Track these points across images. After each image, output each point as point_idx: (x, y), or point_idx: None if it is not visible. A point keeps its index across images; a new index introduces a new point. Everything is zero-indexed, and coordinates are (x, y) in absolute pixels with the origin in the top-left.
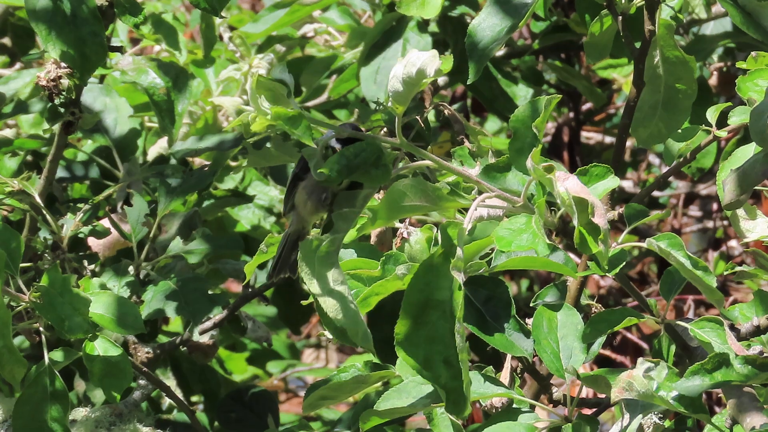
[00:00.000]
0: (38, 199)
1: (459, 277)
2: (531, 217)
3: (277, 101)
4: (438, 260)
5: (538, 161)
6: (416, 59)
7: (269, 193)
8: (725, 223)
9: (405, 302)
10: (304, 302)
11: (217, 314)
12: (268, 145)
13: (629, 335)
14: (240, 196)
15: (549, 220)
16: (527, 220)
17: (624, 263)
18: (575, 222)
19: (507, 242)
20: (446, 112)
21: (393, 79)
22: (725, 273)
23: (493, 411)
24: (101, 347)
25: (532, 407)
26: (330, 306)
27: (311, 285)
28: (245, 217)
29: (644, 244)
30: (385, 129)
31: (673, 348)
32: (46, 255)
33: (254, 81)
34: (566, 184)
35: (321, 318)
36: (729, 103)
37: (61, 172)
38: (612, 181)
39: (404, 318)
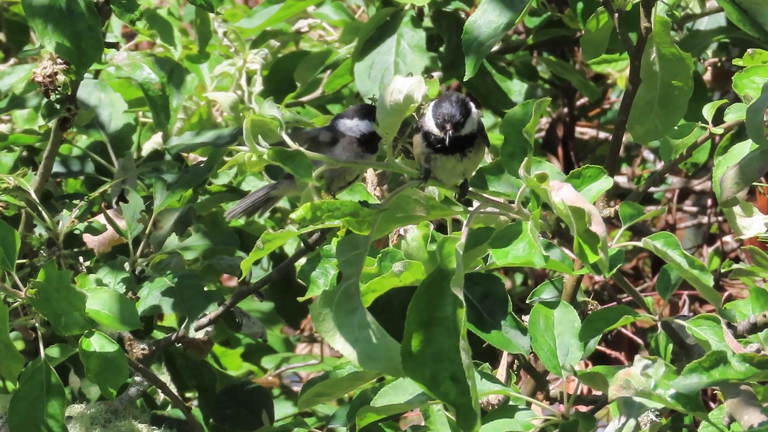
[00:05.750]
0: (34, 196)
1: (459, 294)
2: (527, 224)
3: (269, 137)
4: (437, 278)
5: (531, 170)
6: (402, 86)
7: None
8: (720, 218)
9: (408, 321)
10: (300, 299)
11: (213, 311)
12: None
13: (624, 330)
14: (235, 192)
15: (544, 225)
16: (523, 228)
17: (620, 264)
18: (573, 232)
19: (503, 253)
20: None
21: (380, 108)
22: (722, 270)
23: (490, 408)
24: (97, 343)
25: (529, 404)
26: (359, 356)
27: (334, 342)
28: None
29: (640, 244)
30: None
31: (670, 345)
32: (41, 251)
33: (248, 122)
34: (561, 193)
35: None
36: (725, 100)
37: (56, 168)
38: (605, 182)
39: (409, 337)
